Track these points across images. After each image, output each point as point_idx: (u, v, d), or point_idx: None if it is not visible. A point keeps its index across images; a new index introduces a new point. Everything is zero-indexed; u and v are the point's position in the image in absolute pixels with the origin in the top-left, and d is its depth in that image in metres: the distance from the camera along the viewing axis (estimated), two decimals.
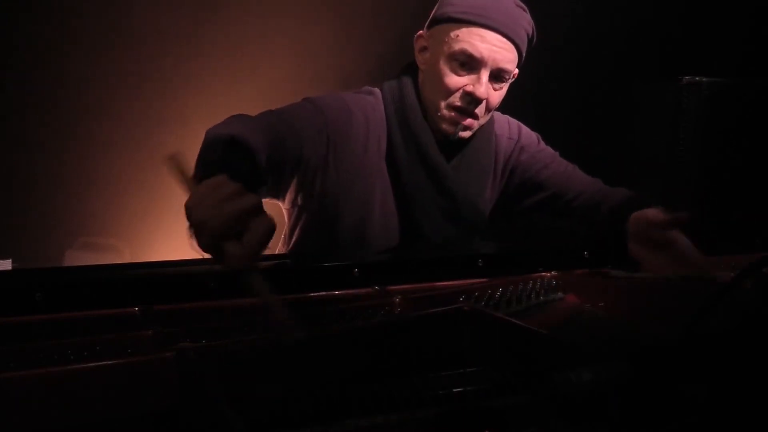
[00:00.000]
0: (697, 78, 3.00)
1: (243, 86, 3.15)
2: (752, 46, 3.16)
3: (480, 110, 1.64)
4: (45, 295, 1.01)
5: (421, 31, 1.71)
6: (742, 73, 3.09)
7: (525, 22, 1.64)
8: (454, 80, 1.61)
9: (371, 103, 1.69)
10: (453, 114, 1.64)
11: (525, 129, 1.86)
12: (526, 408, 0.87)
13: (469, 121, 1.65)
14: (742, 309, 1.07)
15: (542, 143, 1.85)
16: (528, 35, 1.66)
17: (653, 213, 1.43)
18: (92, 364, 0.86)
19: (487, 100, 1.63)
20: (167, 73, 3.20)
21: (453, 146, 1.70)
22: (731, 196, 2.95)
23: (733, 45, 3.18)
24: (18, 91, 3.08)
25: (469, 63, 1.60)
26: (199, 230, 0.99)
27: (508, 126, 1.84)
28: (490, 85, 1.62)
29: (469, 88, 1.61)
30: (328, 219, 1.65)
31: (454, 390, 0.91)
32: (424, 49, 1.69)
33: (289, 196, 1.66)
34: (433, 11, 1.69)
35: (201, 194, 1.01)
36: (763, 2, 3.13)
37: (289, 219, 1.74)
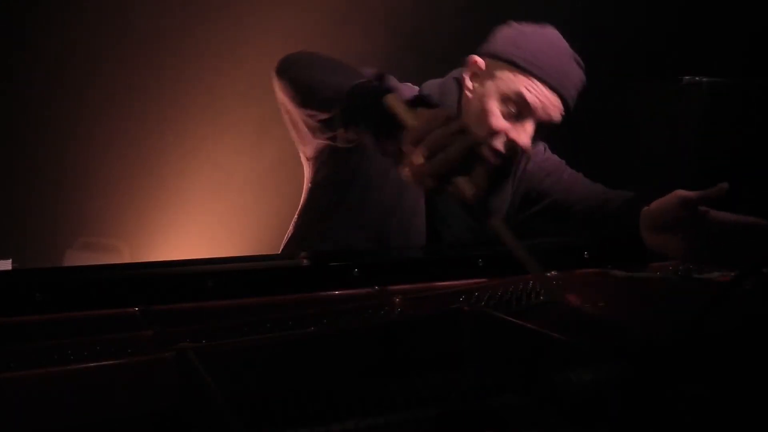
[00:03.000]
0: (697, 78, 3.00)
1: (243, 86, 3.15)
2: (752, 46, 3.16)
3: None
4: (45, 295, 1.01)
5: (477, 58, 1.66)
6: (742, 73, 3.08)
7: (578, 80, 1.64)
8: (500, 123, 1.59)
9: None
10: (489, 153, 1.60)
11: None
12: (526, 408, 0.87)
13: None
14: (742, 309, 1.07)
15: (548, 152, 1.85)
16: (578, 92, 1.66)
17: (683, 193, 1.40)
18: (92, 364, 0.86)
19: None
20: (167, 74, 3.20)
21: None
22: (731, 196, 2.94)
23: (734, 45, 3.18)
24: (18, 91, 3.08)
25: (521, 111, 1.59)
26: (432, 161, 1.05)
27: None
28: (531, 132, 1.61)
29: (513, 135, 1.59)
30: (355, 196, 1.63)
31: (454, 390, 0.91)
32: (475, 75, 1.66)
33: (324, 166, 1.65)
34: (495, 40, 1.66)
35: (430, 123, 1.06)
36: (763, 2, 3.13)
37: (308, 196, 1.72)
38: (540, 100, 1.58)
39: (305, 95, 1.37)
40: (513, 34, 1.64)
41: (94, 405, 0.85)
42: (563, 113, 1.64)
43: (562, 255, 1.40)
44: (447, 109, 1.09)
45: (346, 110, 1.23)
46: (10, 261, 2.58)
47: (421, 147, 1.06)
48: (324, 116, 1.31)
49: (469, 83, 1.67)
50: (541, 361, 0.98)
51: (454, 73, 1.72)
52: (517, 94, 1.58)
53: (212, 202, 3.31)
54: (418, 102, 1.16)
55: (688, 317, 0.88)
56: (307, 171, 1.73)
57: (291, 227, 1.78)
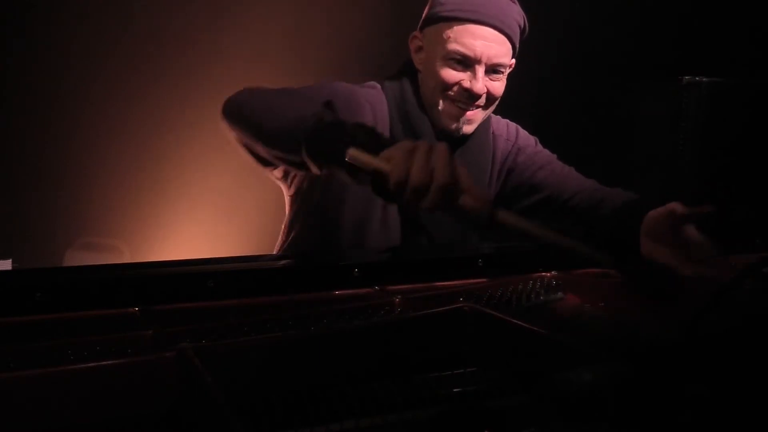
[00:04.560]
0: (697, 78, 3.00)
1: (243, 87, 3.15)
2: (752, 46, 3.16)
3: (481, 102, 1.67)
4: (45, 295, 1.01)
5: (415, 32, 1.74)
6: (742, 73, 3.09)
7: (515, 14, 1.68)
8: (450, 75, 1.64)
9: (377, 97, 1.71)
10: (452, 109, 1.66)
11: (523, 132, 1.87)
12: (526, 408, 0.87)
13: (471, 113, 1.67)
14: (742, 309, 1.07)
15: (539, 146, 1.86)
16: (520, 26, 1.69)
17: (675, 206, 1.41)
18: (92, 364, 0.86)
19: (488, 92, 1.66)
20: (167, 74, 3.20)
21: (451, 144, 1.70)
22: (731, 196, 2.94)
23: (733, 45, 3.18)
24: (18, 91, 3.08)
25: (464, 61, 1.63)
26: (420, 194, 1.07)
27: (506, 128, 1.85)
28: (486, 79, 1.65)
29: (466, 84, 1.64)
30: (329, 211, 1.65)
31: (454, 390, 0.91)
32: (419, 49, 1.72)
33: (296, 181, 1.68)
34: (425, 11, 1.71)
35: (404, 163, 1.08)
36: (763, 2, 3.13)
37: (291, 208, 1.75)
38: (479, 45, 1.62)
39: (266, 139, 1.36)
40: None
41: (94, 405, 0.85)
42: (512, 51, 1.68)
43: (562, 255, 1.40)
44: (406, 142, 1.12)
45: (313, 156, 1.23)
46: (10, 261, 2.58)
47: (409, 189, 1.08)
48: (292, 157, 1.29)
49: (416, 60, 1.73)
50: (541, 361, 0.98)
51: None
52: (454, 49, 1.62)
53: (212, 202, 3.31)
54: (377, 144, 1.15)
55: (688, 317, 0.88)
56: (282, 186, 1.76)
57: (281, 235, 1.80)
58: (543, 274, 1.34)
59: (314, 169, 1.25)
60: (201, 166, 3.27)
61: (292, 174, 1.68)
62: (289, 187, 1.72)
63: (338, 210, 1.65)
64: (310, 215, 1.70)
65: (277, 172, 1.69)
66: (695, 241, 1.37)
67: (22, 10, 3.04)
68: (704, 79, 3.00)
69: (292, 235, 1.74)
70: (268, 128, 1.35)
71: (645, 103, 3.22)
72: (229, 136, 1.48)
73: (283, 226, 1.79)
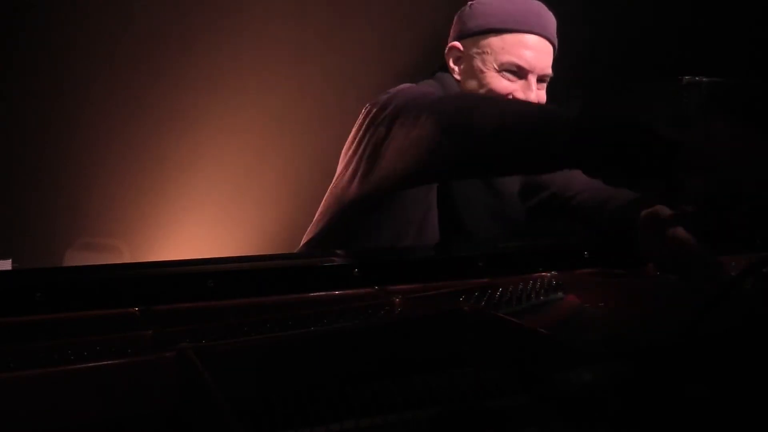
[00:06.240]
0: (697, 78, 3.00)
1: (244, 86, 3.15)
2: (752, 46, 3.16)
3: None
4: (45, 295, 1.01)
5: (453, 43, 1.74)
6: (742, 73, 3.08)
7: (552, 18, 1.72)
8: (503, 85, 1.67)
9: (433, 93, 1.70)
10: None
11: None
12: (526, 408, 0.87)
13: None
14: (742, 309, 1.07)
15: None
16: (556, 30, 1.74)
17: (660, 208, 1.43)
18: (92, 364, 0.86)
19: (537, 100, 1.69)
20: (168, 74, 3.20)
21: None
22: (731, 196, 2.94)
23: (733, 45, 3.18)
24: (18, 91, 3.08)
25: (518, 72, 1.66)
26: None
27: None
28: (538, 87, 1.69)
29: (520, 95, 1.66)
30: (370, 209, 1.63)
31: (454, 390, 0.91)
32: (458, 59, 1.74)
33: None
34: (461, 23, 1.73)
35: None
36: (763, 2, 3.13)
37: (328, 198, 1.71)
38: (532, 56, 1.65)
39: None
40: (478, 8, 1.71)
41: (94, 405, 0.85)
42: (554, 56, 1.72)
43: (562, 255, 1.40)
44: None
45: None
46: (10, 261, 2.58)
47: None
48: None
49: (455, 68, 1.74)
50: (541, 361, 0.98)
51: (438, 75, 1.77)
52: (510, 61, 1.65)
53: (212, 202, 3.31)
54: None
55: (688, 317, 0.88)
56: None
57: (313, 227, 1.75)
58: (543, 274, 1.34)
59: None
60: (201, 167, 3.27)
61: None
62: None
63: (382, 207, 1.62)
64: (348, 209, 1.65)
65: None
66: (681, 242, 1.38)
67: (22, 10, 3.04)
68: (704, 79, 2.99)
69: (323, 226, 1.70)
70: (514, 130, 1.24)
71: (645, 103, 3.22)
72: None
73: (317, 214, 1.75)
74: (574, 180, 1.75)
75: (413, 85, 1.68)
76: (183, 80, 3.19)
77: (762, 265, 1.02)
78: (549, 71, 1.70)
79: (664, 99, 3.10)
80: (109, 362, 0.87)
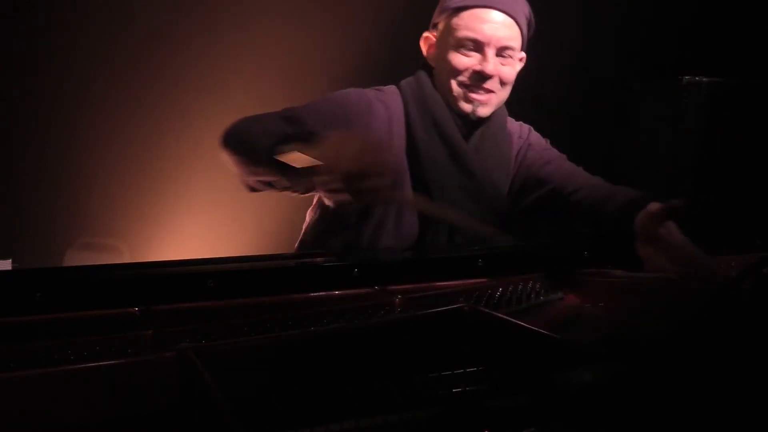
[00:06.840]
0: (697, 78, 3.00)
1: (244, 86, 3.15)
2: (752, 46, 3.16)
3: (493, 85, 1.70)
4: (45, 295, 1.01)
5: (426, 32, 1.79)
6: (742, 73, 3.08)
7: (521, 3, 1.73)
8: (461, 60, 1.69)
9: (391, 96, 1.76)
10: (466, 91, 1.70)
11: (535, 132, 1.90)
12: (526, 408, 0.87)
13: (484, 96, 1.70)
14: (742, 309, 1.07)
15: (549, 145, 1.88)
16: (526, 16, 1.74)
17: (651, 205, 1.43)
18: (92, 364, 0.86)
19: (499, 75, 1.70)
20: (168, 74, 3.20)
21: (470, 127, 1.75)
22: (731, 196, 2.94)
23: (733, 45, 3.18)
24: (18, 91, 3.08)
25: (474, 45, 1.68)
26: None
27: (519, 127, 1.88)
28: (497, 61, 1.69)
29: (477, 67, 1.68)
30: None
31: (454, 390, 0.91)
32: (431, 47, 1.78)
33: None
34: (435, 13, 1.77)
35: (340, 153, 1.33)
36: (763, 2, 3.13)
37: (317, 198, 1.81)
38: (488, 27, 1.67)
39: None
40: None
41: (94, 405, 0.85)
42: (521, 38, 1.73)
43: (562, 255, 1.40)
44: (333, 135, 1.38)
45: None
46: (10, 261, 2.57)
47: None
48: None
49: (430, 59, 1.78)
50: (541, 361, 0.98)
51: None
52: (464, 36, 1.68)
53: (212, 202, 3.30)
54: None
55: (688, 317, 0.88)
56: None
57: (304, 230, 1.84)
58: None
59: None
60: (201, 166, 3.26)
61: None
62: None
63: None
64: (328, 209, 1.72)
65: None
66: (675, 241, 1.38)
67: (22, 10, 3.04)
68: (704, 79, 2.99)
69: (309, 222, 1.82)
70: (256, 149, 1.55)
71: (645, 103, 3.22)
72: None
73: (308, 211, 1.86)
74: (574, 178, 1.75)
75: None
76: (183, 80, 3.19)
77: (762, 265, 1.02)
78: (509, 44, 1.69)
79: (664, 99, 3.10)
80: (109, 362, 0.87)
